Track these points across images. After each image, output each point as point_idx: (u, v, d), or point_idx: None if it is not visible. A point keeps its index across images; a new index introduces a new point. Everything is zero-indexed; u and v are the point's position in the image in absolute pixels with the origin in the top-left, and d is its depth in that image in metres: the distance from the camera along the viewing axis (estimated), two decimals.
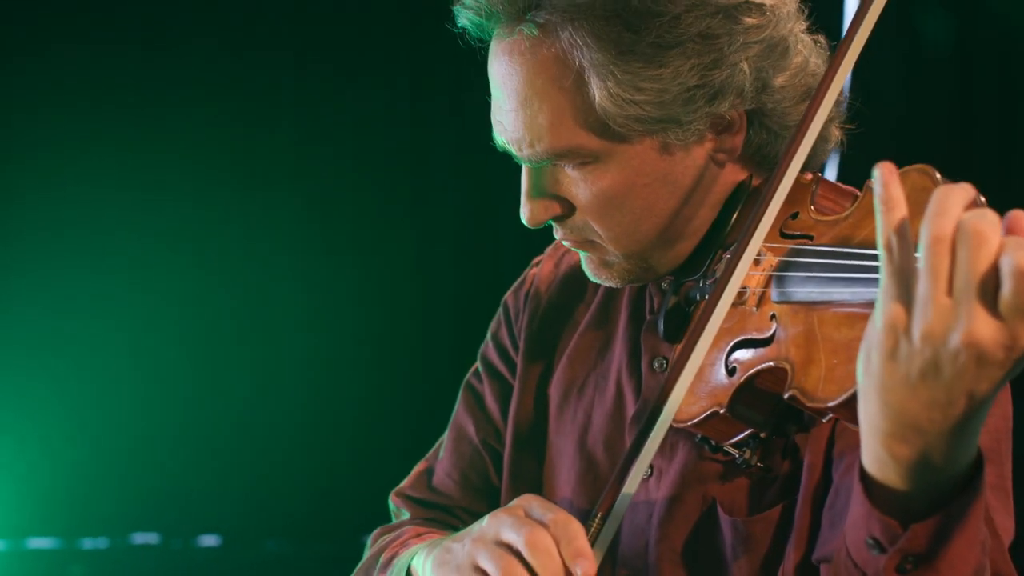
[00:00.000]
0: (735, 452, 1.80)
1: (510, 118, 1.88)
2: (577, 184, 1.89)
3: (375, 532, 2.33)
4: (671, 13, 1.78)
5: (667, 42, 1.79)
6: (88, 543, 4.93)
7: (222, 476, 4.89)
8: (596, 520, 1.73)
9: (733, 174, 1.93)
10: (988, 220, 1.26)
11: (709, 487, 1.90)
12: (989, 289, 1.26)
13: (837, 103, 1.89)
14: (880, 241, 1.34)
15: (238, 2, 4.82)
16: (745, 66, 1.83)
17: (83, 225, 4.75)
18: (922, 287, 1.29)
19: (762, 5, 1.84)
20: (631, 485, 1.71)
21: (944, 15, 4.55)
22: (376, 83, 4.80)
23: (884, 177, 1.34)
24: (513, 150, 1.92)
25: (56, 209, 4.72)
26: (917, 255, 1.30)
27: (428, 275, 4.95)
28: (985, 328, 1.27)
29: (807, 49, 1.92)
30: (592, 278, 2.02)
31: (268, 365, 4.93)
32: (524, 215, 1.94)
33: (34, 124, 4.68)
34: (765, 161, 1.94)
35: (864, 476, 1.48)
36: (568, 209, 1.93)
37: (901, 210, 1.33)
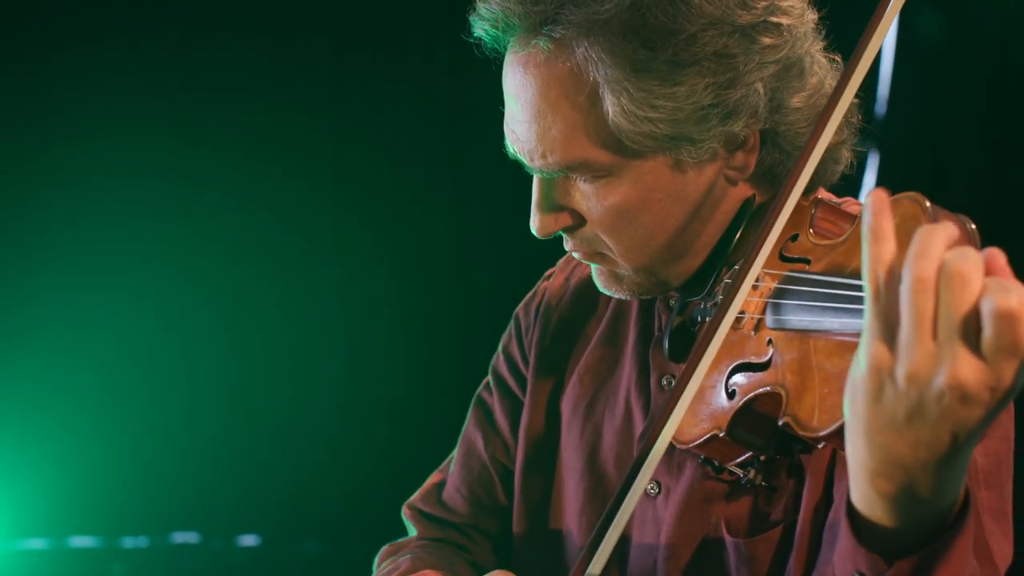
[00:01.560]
0: (740, 472, 1.79)
1: (523, 129, 1.87)
2: (588, 198, 1.88)
3: (382, 551, 2.33)
4: (688, 31, 1.77)
5: (683, 60, 1.77)
6: (129, 542, 4.96)
7: (262, 477, 4.91)
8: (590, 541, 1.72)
9: (743, 191, 1.92)
10: (971, 261, 1.26)
11: (715, 506, 1.89)
12: (972, 331, 1.26)
13: (847, 125, 1.90)
14: (866, 277, 1.33)
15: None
16: (760, 86, 1.81)
17: (130, 215, 4.78)
18: (905, 329, 1.29)
19: (779, 25, 1.82)
20: (629, 504, 1.70)
21: (984, 24, 4.54)
22: (413, 77, 4.82)
23: (875, 206, 1.33)
24: (525, 160, 1.90)
25: (87, 205, 4.76)
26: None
27: (466, 278, 4.95)
28: (969, 370, 1.27)
29: (823, 70, 1.90)
30: (603, 290, 2.00)
31: (308, 368, 4.94)
32: (534, 225, 1.93)
33: (69, 117, 4.72)
34: (776, 180, 1.92)
35: (852, 511, 1.48)
36: (579, 221, 1.92)
37: (889, 245, 1.32)
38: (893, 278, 1.31)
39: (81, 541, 4.93)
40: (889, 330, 1.31)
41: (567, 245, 1.97)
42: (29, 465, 4.76)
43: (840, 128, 1.88)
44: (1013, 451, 1.81)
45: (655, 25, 1.77)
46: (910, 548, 1.44)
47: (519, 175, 2.05)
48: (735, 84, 1.80)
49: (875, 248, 1.32)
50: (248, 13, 4.81)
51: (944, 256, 1.27)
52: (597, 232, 1.91)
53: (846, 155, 1.95)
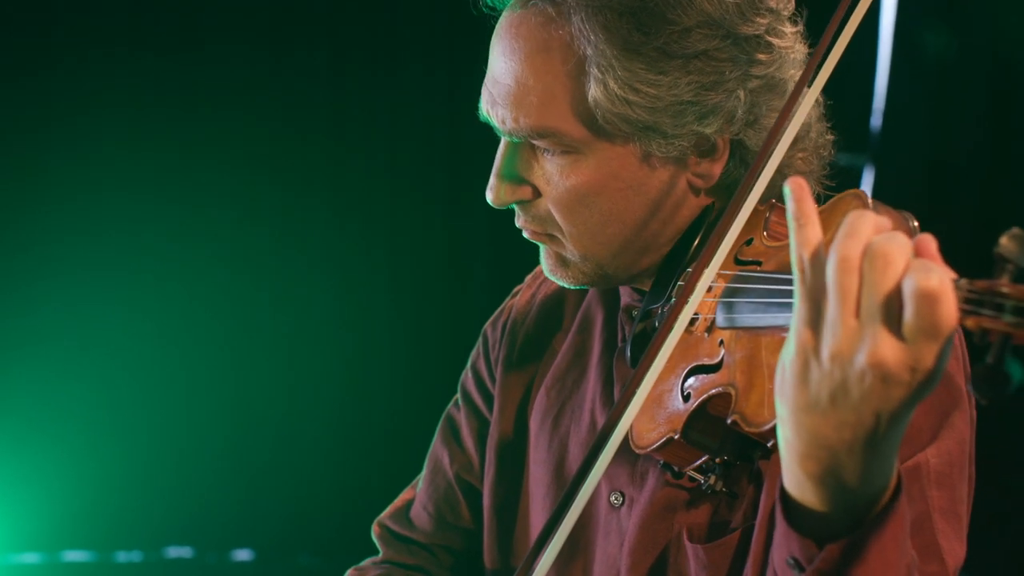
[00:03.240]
0: (700, 478, 1.78)
1: (502, 90, 1.86)
2: (551, 173, 1.88)
3: (347, 574, 2.33)
4: (683, 24, 1.79)
5: (672, 51, 1.79)
6: (123, 556, 4.95)
7: (256, 491, 4.91)
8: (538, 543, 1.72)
9: (703, 200, 1.93)
10: (896, 242, 1.28)
11: (677, 514, 1.89)
12: (894, 311, 1.28)
13: (808, 137, 1.91)
14: (793, 260, 1.35)
15: (272, 6, 4.85)
16: (741, 96, 1.83)
17: (128, 231, 4.78)
18: (830, 308, 1.31)
19: (771, 44, 1.84)
20: (578, 507, 1.70)
21: (980, 33, 4.55)
22: (411, 86, 4.81)
23: (795, 193, 1.35)
24: (495, 123, 1.89)
25: (94, 219, 4.77)
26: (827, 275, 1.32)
27: (463, 293, 4.95)
28: (889, 349, 1.28)
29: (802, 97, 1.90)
30: (548, 274, 1.99)
31: (303, 382, 4.94)
32: (490, 193, 1.92)
33: (68, 127, 4.73)
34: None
35: (784, 497, 1.49)
36: (535, 196, 1.91)
37: (814, 228, 1.34)
38: (819, 260, 1.33)
39: (75, 556, 4.93)
40: (816, 311, 1.33)
41: (519, 221, 1.96)
42: (23, 479, 4.76)
43: (801, 140, 1.89)
44: (969, 455, 1.81)
45: (653, 11, 1.79)
46: (841, 533, 1.45)
47: None
48: (717, 88, 1.81)
49: (800, 232, 1.34)
50: (246, 26, 4.83)
51: (872, 238, 1.29)
52: (552, 211, 1.90)
53: (807, 165, 1.94)
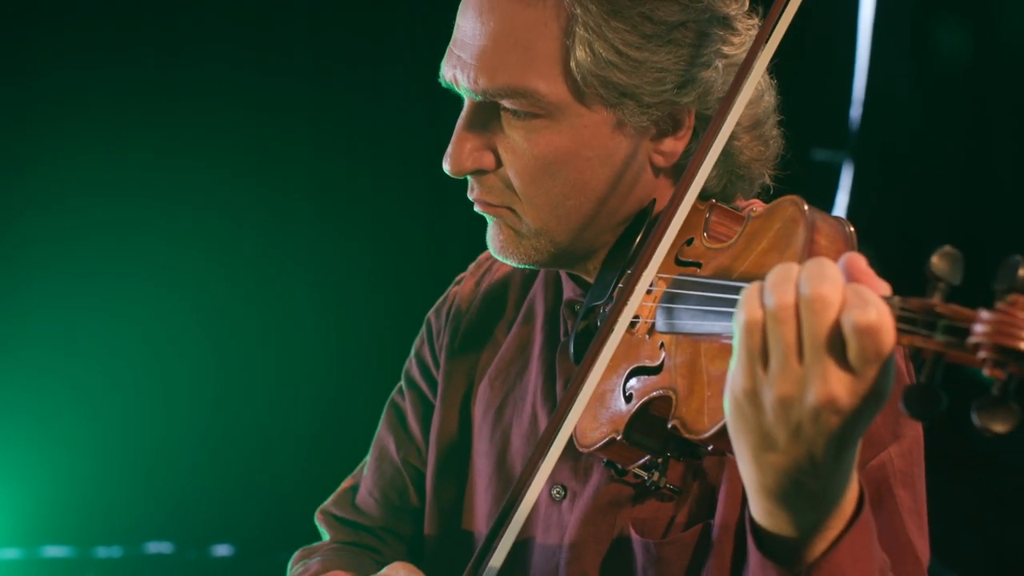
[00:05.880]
0: (644, 475, 1.78)
1: (476, 46, 1.84)
2: (517, 141, 1.85)
3: (295, 555, 2.33)
4: None
5: (656, 17, 1.80)
6: (102, 552, 4.94)
7: (236, 486, 4.90)
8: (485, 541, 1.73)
9: (655, 186, 1.93)
10: (828, 280, 1.30)
11: (623, 509, 1.89)
12: (837, 347, 1.30)
13: (752, 130, 1.92)
14: (734, 321, 1.36)
15: (254, 8, 4.84)
16: (719, 68, 1.85)
17: (104, 232, 4.77)
18: (773, 358, 1.33)
19: (738, 29, 1.87)
20: (524, 510, 1.70)
21: (960, 30, 4.56)
22: (392, 89, 4.85)
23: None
24: (466, 84, 1.85)
25: (73, 216, 4.75)
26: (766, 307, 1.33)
27: (444, 290, 4.95)
28: (838, 383, 1.31)
29: (766, 84, 1.94)
30: (495, 252, 1.96)
31: (283, 377, 4.94)
32: (448, 162, 1.89)
33: (51, 129, 4.71)
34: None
35: (754, 527, 1.50)
36: (496, 165, 1.89)
37: (755, 302, 1.35)
38: (759, 316, 1.34)
39: (54, 551, 4.91)
40: (759, 361, 1.35)
41: (472, 194, 1.93)
42: (1, 475, 4.74)
43: (758, 126, 1.91)
44: (923, 451, 1.83)
45: None
46: (812, 551, 1.46)
47: None
48: (695, 60, 1.83)
49: (745, 295, 1.36)
50: (229, 28, 4.82)
51: (799, 276, 1.31)
52: (513, 180, 1.88)
53: (757, 171, 1.96)
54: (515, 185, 1.89)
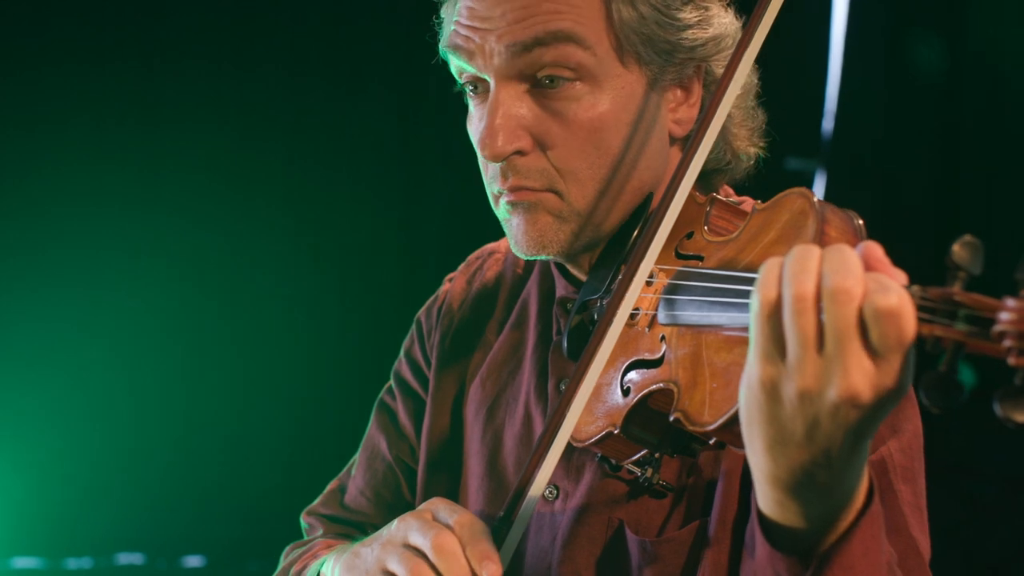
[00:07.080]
0: (637, 471, 1.78)
1: (507, 12, 1.80)
2: (562, 110, 1.83)
3: (287, 548, 2.32)
4: None
5: None
6: (73, 563, 4.91)
7: (207, 497, 4.89)
8: (498, 524, 1.73)
9: (669, 158, 1.94)
10: (849, 271, 1.27)
11: (616, 508, 1.89)
12: (859, 339, 1.27)
13: (743, 122, 1.98)
14: (751, 305, 1.34)
15: (232, 20, 4.84)
16: (730, 36, 1.91)
17: (75, 242, 4.75)
18: (792, 350, 1.30)
19: (729, 14, 1.95)
20: (535, 492, 1.70)
21: (932, 41, 4.58)
22: (367, 101, 4.82)
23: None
24: (498, 44, 1.81)
25: (47, 226, 4.73)
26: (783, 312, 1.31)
27: (416, 299, 4.94)
28: (860, 377, 1.28)
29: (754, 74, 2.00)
30: (526, 248, 1.90)
31: (254, 387, 4.92)
32: (487, 145, 1.83)
33: (21, 141, 4.69)
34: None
35: (763, 519, 1.49)
36: (533, 146, 1.85)
37: (772, 286, 1.32)
38: (775, 307, 1.32)
39: (24, 562, 4.88)
40: (776, 350, 1.32)
41: (506, 183, 1.88)
42: None
43: (732, 119, 1.96)
44: (923, 447, 1.82)
45: None
46: (822, 543, 1.45)
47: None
48: (719, 35, 1.90)
49: (763, 276, 1.34)
50: (206, 41, 4.82)
51: (821, 269, 1.29)
52: (555, 158, 1.85)
53: (749, 151, 2.00)
54: (558, 163, 1.86)
